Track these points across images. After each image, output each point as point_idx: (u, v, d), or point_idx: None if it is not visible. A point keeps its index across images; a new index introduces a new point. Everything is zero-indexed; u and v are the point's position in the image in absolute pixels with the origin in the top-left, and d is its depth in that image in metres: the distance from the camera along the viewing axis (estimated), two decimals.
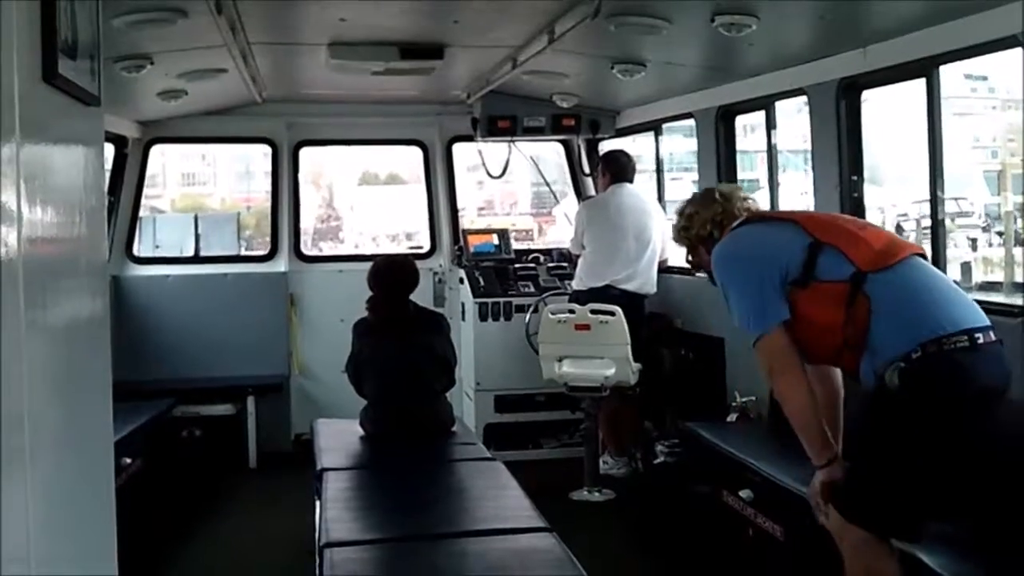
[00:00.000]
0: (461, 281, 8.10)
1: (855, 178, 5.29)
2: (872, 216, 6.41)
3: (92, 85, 2.26)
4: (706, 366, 6.73)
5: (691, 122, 6.97)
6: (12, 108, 1.71)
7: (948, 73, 4.69)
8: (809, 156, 5.67)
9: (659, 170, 7.95)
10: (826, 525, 3.53)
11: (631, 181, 7.29)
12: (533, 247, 8.92)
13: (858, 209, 5.26)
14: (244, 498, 6.89)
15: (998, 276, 11.16)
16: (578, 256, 7.31)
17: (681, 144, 8.67)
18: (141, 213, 8.51)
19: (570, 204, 8.79)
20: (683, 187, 9.36)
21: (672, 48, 5.62)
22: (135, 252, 8.20)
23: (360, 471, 5.15)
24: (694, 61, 6.06)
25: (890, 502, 3.32)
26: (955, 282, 3.84)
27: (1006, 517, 3.55)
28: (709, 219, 3.89)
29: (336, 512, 4.37)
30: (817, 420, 3.50)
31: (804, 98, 5.58)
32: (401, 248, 12.64)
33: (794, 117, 6.21)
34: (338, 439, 5.63)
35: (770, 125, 6.11)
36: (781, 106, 6.09)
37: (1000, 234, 13.43)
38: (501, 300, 7.70)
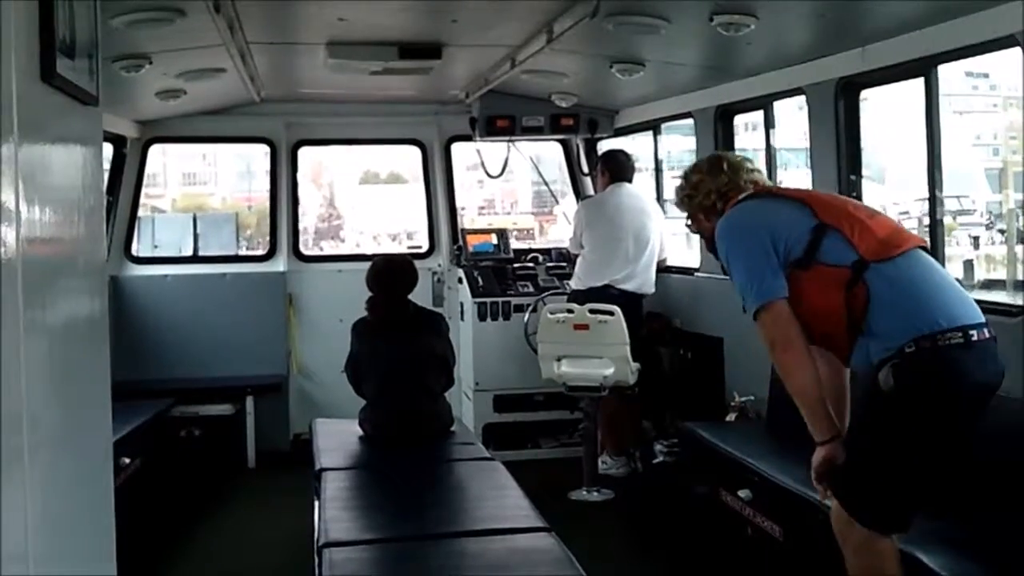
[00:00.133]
0: (460, 281, 8.09)
1: (854, 177, 5.30)
2: None
3: (90, 85, 2.26)
4: (705, 366, 6.73)
5: (690, 121, 6.98)
6: (10, 108, 1.71)
7: (949, 71, 4.70)
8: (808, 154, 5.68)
9: (658, 169, 7.95)
10: (827, 505, 3.51)
11: (630, 181, 7.29)
12: (534, 246, 8.90)
13: None
14: (243, 498, 6.88)
15: (1000, 274, 11.17)
16: (577, 256, 7.30)
17: (680, 143, 8.66)
18: (141, 213, 8.52)
19: (569, 204, 8.79)
20: None
21: (671, 47, 5.62)
22: (134, 252, 8.19)
23: (359, 471, 5.14)
24: (693, 60, 6.06)
25: (882, 495, 3.33)
26: (957, 280, 3.82)
27: (1005, 517, 3.55)
28: (714, 189, 3.82)
29: (335, 512, 4.37)
30: (820, 396, 3.45)
31: (803, 97, 5.58)
32: (403, 247, 12.61)
33: (795, 115, 6.20)
34: (337, 439, 5.63)
35: (768, 124, 6.12)
36: (781, 104, 6.10)
37: (1002, 232, 13.45)
38: (500, 300, 7.69)
